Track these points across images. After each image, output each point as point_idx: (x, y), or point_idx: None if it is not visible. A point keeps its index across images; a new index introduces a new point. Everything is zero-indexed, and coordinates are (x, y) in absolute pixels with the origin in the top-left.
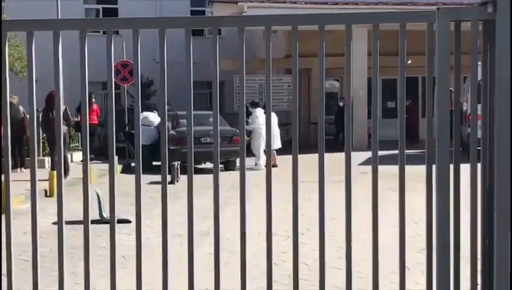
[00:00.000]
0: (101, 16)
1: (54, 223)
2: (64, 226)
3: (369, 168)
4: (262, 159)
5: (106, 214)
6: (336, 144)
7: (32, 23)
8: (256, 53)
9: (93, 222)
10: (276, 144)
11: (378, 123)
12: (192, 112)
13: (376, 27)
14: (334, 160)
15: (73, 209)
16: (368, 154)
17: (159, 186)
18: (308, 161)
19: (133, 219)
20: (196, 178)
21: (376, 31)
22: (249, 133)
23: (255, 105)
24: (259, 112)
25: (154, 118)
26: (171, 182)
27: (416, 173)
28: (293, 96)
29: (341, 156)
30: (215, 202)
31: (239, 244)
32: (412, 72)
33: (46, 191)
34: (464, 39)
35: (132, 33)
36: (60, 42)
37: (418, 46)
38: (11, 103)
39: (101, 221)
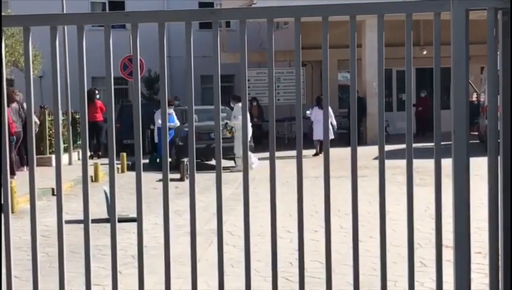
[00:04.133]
0: (107, 10)
1: (66, 222)
2: (74, 226)
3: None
4: (253, 158)
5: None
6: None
7: (29, 18)
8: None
9: (103, 220)
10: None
11: (395, 116)
12: (203, 107)
13: (381, 18)
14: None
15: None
16: (385, 147)
17: (170, 184)
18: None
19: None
20: (208, 175)
21: (381, 22)
22: (231, 128)
23: (237, 99)
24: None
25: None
26: (181, 179)
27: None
28: (297, 92)
29: (360, 149)
30: (217, 199)
31: (259, 242)
32: (431, 62)
33: (53, 189)
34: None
35: (131, 27)
36: (58, 37)
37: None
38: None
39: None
